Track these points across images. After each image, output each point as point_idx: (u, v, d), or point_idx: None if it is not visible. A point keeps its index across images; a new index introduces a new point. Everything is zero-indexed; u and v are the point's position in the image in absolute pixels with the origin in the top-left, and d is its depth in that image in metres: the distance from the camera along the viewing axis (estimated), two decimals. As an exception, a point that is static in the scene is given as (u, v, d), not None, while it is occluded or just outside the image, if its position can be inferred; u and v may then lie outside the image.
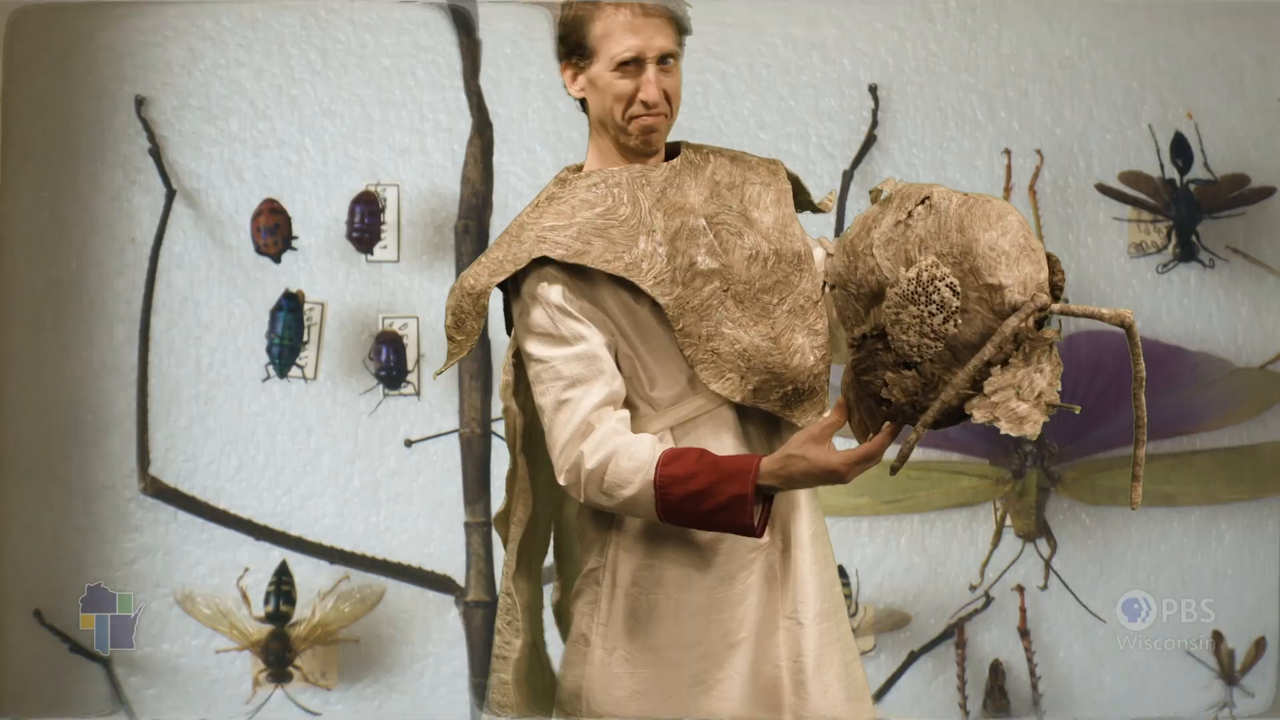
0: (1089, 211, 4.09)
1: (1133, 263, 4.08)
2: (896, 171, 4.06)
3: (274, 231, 3.88)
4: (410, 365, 3.96)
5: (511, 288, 2.33)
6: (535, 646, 2.47)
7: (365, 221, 3.90)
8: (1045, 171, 4.03)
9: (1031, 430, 2.06)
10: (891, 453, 2.15)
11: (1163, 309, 4.08)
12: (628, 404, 2.32)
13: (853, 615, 3.93)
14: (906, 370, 2.09)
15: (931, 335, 2.06)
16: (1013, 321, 2.02)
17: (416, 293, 4.07)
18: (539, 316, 2.28)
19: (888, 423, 2.15)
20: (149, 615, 4.10)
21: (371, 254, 3.94)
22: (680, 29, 2.31)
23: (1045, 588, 4.07)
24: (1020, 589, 4.08)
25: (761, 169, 2.42)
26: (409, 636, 4.09)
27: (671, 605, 2.31)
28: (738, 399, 2.30)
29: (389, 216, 3.95)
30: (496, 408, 3.94)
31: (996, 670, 4.08)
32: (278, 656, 3.89)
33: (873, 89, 4.00)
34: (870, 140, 3.98)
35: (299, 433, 4.10)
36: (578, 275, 2.27)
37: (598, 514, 2.36)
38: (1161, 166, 4.01)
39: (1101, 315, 2.06)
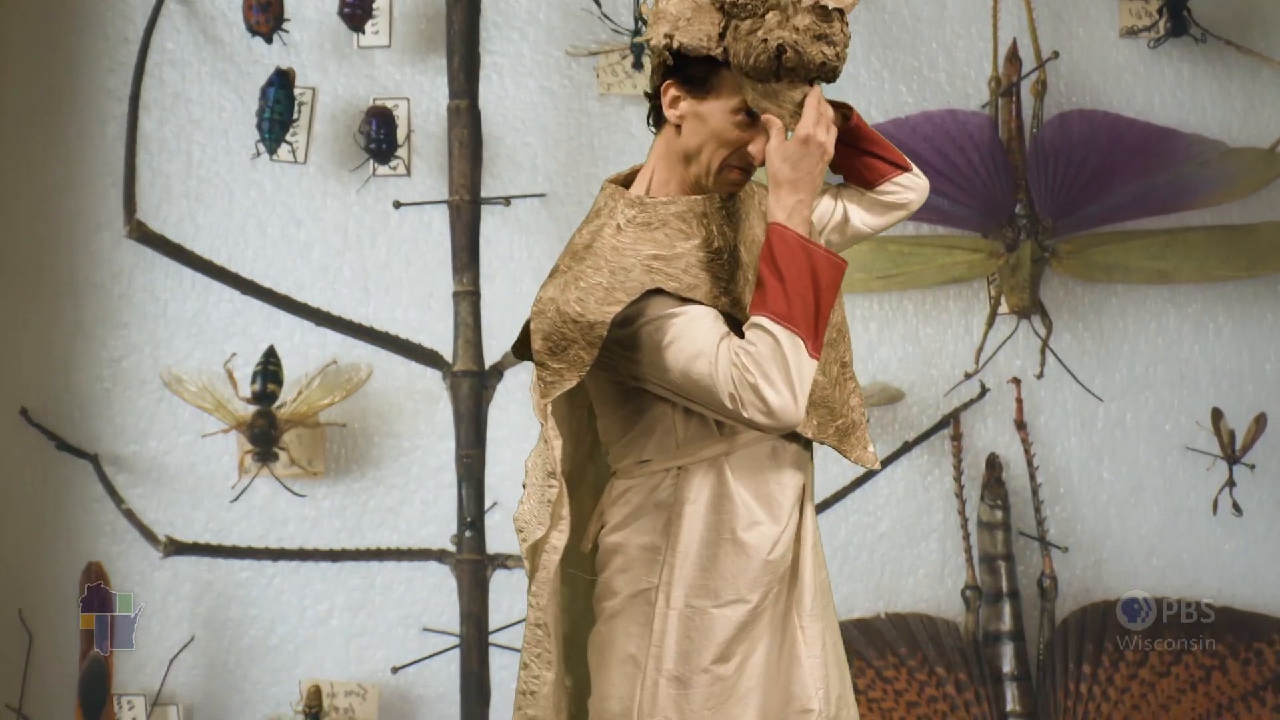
0: (1079, 3, 4.09)
1: (1125, 52, 4.07)
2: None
3: (266, 10, 3.89)
4: (400, 141, 3.94)
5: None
6: (559, 682, 2.37)
7: (358, -3, 3.91)
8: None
9: None
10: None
11: (1155, 96, 4.05)
12: (694, 421, 2.27)
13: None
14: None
15: None
16: None
17: (408, 83, 4.07)
18: (664, 331, 2.22)
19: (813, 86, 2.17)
20: (135, 413, 4.08)
21: (363, 32, 3.94)
22: None
23: (1041, 376, 4.01)
24: (1017, 381, 4.02)
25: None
26: (396, 429, 4.05)
27: (722, 623, 2.26)
28: (808, 434, 2.28)
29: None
30: (486, 176, 3.93)
31: (993, 463, 4.01)
32: (263, 435, 3.85)
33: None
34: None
35: (289, 225, 4.09)
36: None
37: (648, 532, 2.29)
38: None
39: None
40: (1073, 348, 4.04)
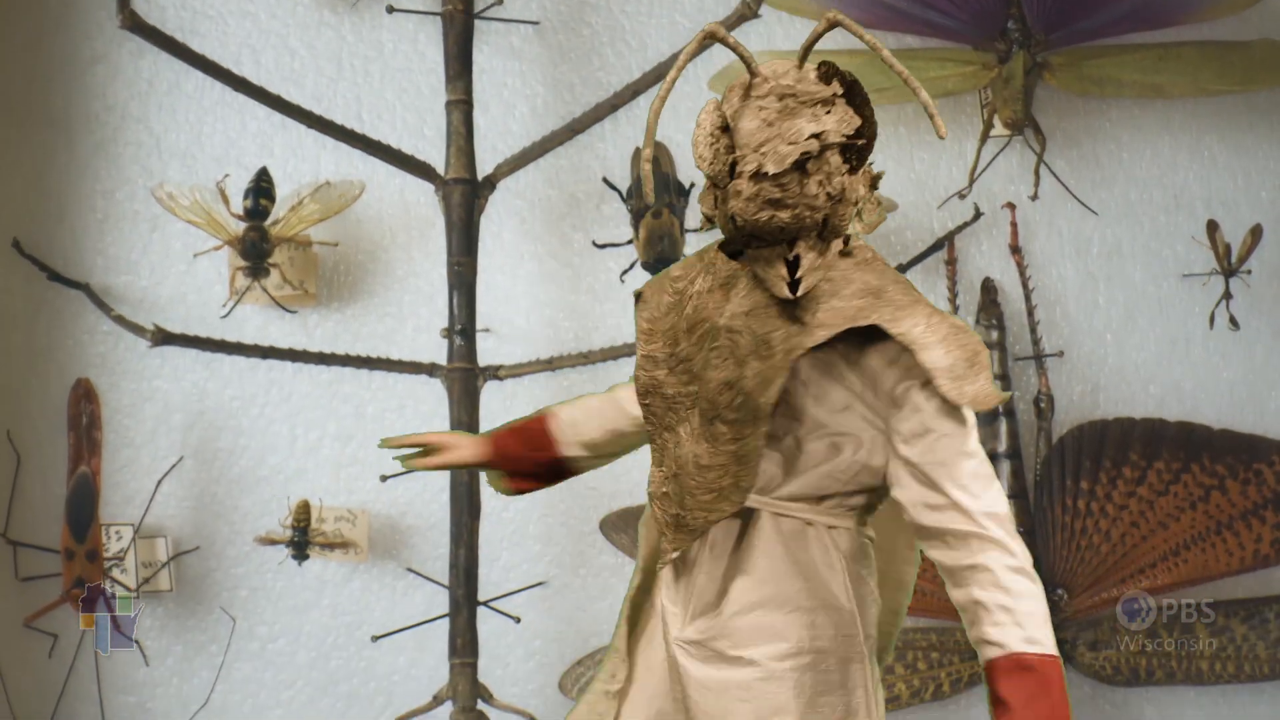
0: None
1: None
2: None
3: None
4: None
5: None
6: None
7: None
8: None
9: None
10: None
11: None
12: None
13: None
14: None
15: None
16: None
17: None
18: None
19: None
20: (127, 244, 4.07)
21: None
22: None
23: (1036, 197, 3.99)
24: (1011, 206, 4.00)
25: (833, 314, 2.18)
26: (390, 254, 4.04)
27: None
28: (649, 490, 2.30)
29: None
30: (479, 2, 3.95)
31: (988, 287, 3.99)
32: (255, 249, 3.83)
33: None
34: None
35: (283, 55, 4.10)
36: None
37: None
38: None
39: None
40: (1066, 173, 4.02)
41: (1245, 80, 3.90)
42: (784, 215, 2.04)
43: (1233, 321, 3.93)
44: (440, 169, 3.82)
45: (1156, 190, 4.04)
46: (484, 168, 3.86)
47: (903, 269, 3.98)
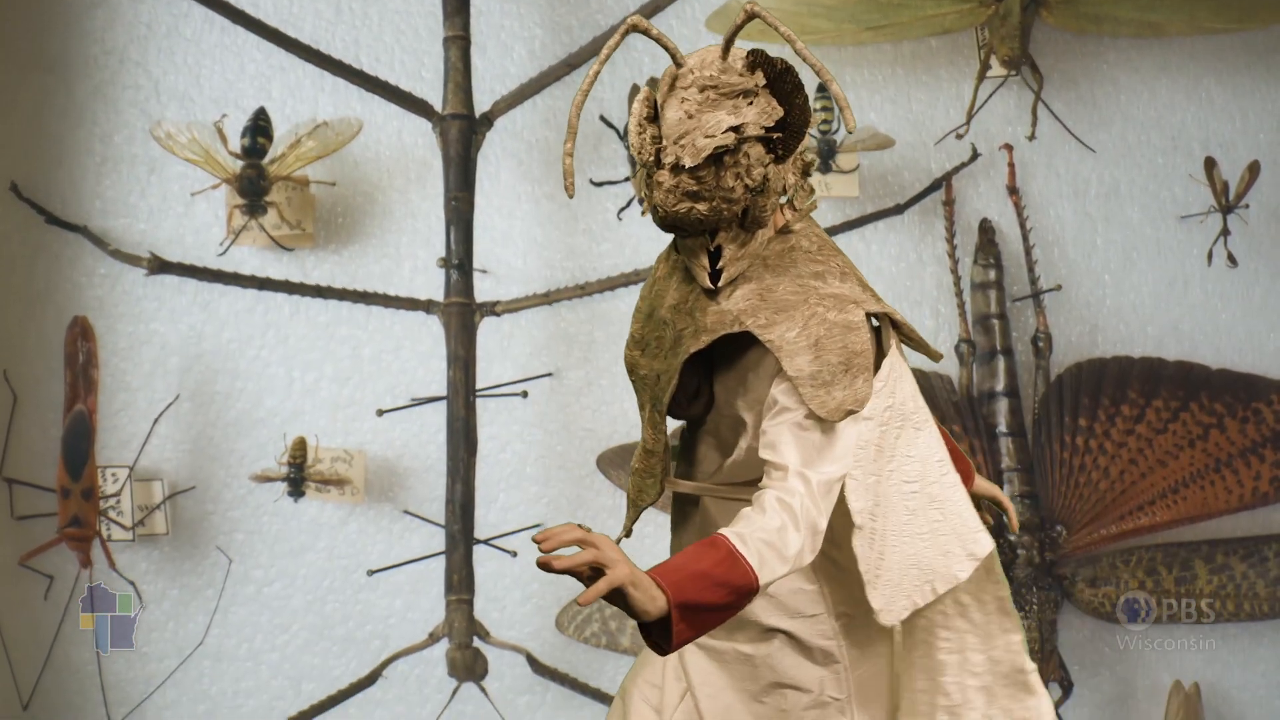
0: None
1: None
2: None
3: None
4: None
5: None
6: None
7: None
8: None
9: None
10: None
11: None
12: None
13: (837, 132, 3.86)
14: None
15: None
16: None
17: None
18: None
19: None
20: (124, 187, 4.07)
21: None
22: None
23: (1033, 137, 3.99)
24: (1009, 147, 4.00)
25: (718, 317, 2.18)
26: (387, 196, 4.04)
27: None
28: (633, 466, 2.35)
29: None
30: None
31: (985, 227, 3.99)
32: (253, 186, 3.84)
33: None
34: None
35: (280, 2, 4.11)
36: None
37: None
38: None
39: None
40: (1063, 116, 4.02)
41: (1242, 18, 3.90)
42: (701, 208, 2.05)
43: (1231, 258, 3.93)
44: (438, 107, 3.83)
45: (1154, 131, 4.05)
46: (481, 109, 3.86)
47: (900, 209, 3.98)
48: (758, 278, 2.15)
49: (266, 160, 3.87)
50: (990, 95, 3.97)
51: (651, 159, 2.08)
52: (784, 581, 2.13)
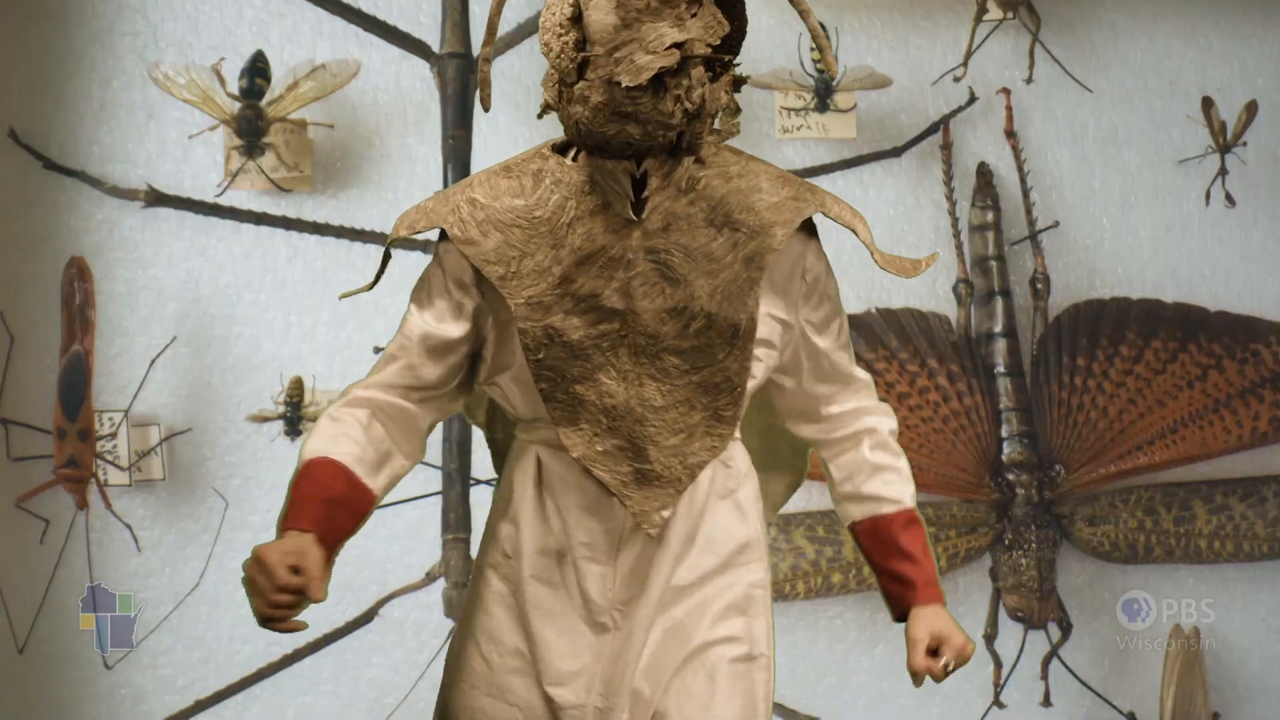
0: None
1: None
2: None
3: None
4: None
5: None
6: None
7: None
8: None
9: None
10: None
11: None
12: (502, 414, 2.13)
13: (831, 76, 3.86)
14: None
15: None
16: None
17: None
18: (429, 270, 2.15)
19: None
20: (122, 134, 4.06)
21: None
22: None
23: (1030, 80, 3.99)
24: (1006, 91, 4.00)
25: (775, 211, 1.96)
26: (384, 139, 4.04)
27: None
28: (575, 455, 1.97)
29: None
30: None
31: (983, 171, 3.99)
32: (251, 126, 3.84)
33: None
34: None
35: (279, -52, 4.13)
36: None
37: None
38: None
39: None
40: (1061, 60, 4.02)
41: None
42: (634, 130, 1.83)
43: (1229, 198, 3.93)
44: (435, 48, 3.83)
45: (1152, 76, 4.05)
46: (478, 50, 3.86)
47: (898, 152, 3.98)
48: (750, 175, 1.97)
49: (264, 102, 3.87)
50: (987, 37, 3.97)
51: (573, 68, 1.84)
52: None
